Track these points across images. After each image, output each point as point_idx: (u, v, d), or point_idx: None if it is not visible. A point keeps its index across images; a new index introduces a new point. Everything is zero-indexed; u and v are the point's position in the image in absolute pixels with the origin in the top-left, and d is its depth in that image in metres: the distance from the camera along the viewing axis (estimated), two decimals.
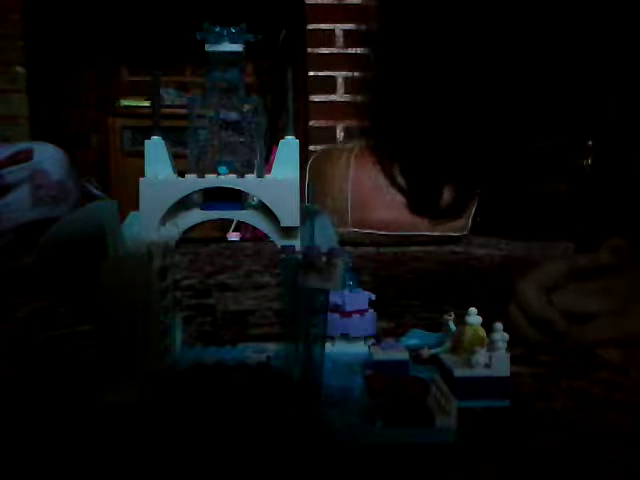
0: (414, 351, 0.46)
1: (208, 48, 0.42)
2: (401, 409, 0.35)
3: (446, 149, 0.55)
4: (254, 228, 0.44)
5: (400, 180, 0.61)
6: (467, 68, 0.50)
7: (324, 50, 2.03)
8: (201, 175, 0.42)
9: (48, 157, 0.93)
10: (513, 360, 0.40)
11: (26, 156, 0.88)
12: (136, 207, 0.42)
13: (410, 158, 0.59)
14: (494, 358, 0.39)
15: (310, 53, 2.04)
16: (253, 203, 0.44)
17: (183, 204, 0.43)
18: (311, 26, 2.04)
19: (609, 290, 0.49)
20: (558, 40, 0.48)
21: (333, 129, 2.02)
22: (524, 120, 0.53)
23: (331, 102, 2.01)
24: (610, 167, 0.57)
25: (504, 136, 0.53)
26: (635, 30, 0.46)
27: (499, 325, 0.40)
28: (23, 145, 0.95)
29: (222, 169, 0.42)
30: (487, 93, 0.50)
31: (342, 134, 2.02)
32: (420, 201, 0.63)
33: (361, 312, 0.47)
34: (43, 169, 0.90)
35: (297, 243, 0.43)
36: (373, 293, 0.48)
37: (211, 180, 0.42)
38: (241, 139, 0.43)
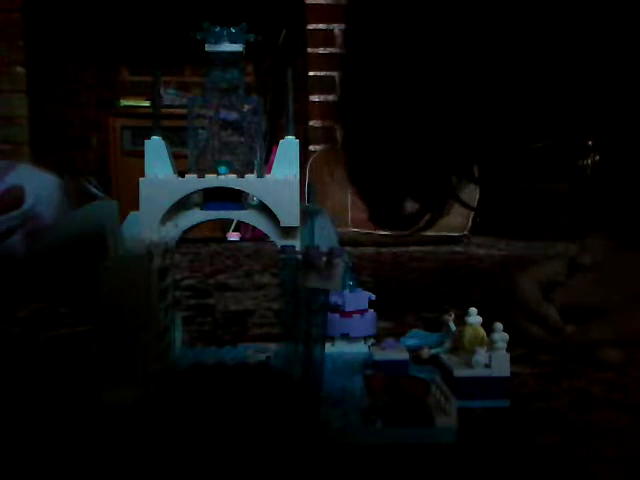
0: (414, 351, 0.46)
1: (208, 48, 0.42)
2: (401, 409, 0.35)
3: (406, 161, 0.55)
4: (254, 228, 0.44)
5: (363, 190, 0.61)
6: (453, 69, 0.49)
7: (324, 50, 2.03)
8: (201, 175, 0.42)
9: (41, 197, 0.82)
10: (513, 360, 0.40)
11: (17, 201, 0.79)
12: (136, 207, 0.42)
13: (372, 168, 0.59)
14: (494, 358, 0.39)
15: (310, 53, 2.04)
16: (253, 203, 0.44)
17: (183, 204, 0.43)
18: (311, 26, 2.03)
19: (603, 283, 0.49)
20: (557, 40, 0.48)
21: (333, 129, 2.02)
22: (524, 121, 0.53)
23: (331, 102, 2.01)
24: (614, 167, 0.57)
25: (501, 138, 0.53)
26: (635, 30, 0.46)
27: (499, 325, 0.40)
28: (12, 181, 0.83)
29: (222, 169, 0.42)
30: (481, 95, 0.50)
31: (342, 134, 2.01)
32: (380, 213, 0.63)
33: (361, 312, 0.47)
34: (36, 214, 0.81)
35: (297, 243, 0.43)
36: (373, 293, 0.48)
37: (211, 180, 0.42)
38: (241, 139, 0.43)
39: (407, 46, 0.51)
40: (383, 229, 0.65)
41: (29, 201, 0.77)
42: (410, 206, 0.61)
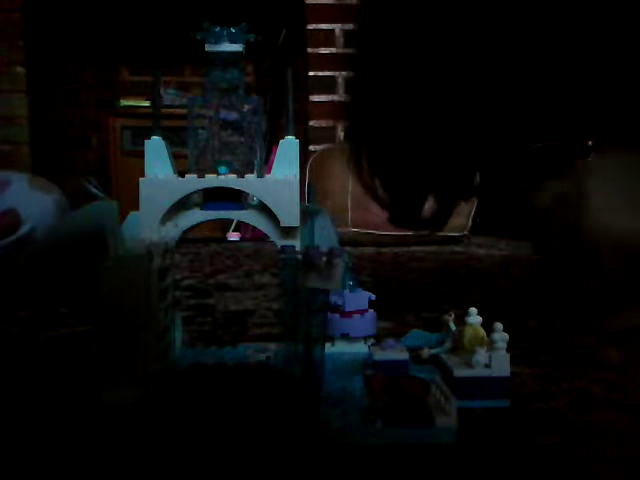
0: (414, 351, 0.46)
1: (208, 48, 0.42)
2: (401, 409, 0.35)
3: (429, 159, 0.55)
4: (254, 228, 0.44)
5: (381, 192, 0.60)
6: (459, 70, 0.49)
7: (324, 50, 2.03)
8: (201, 175, 0.42)
9: (38, 221, 0.78)
10: (513, 360, 0.40)
11: (13, 226, 0.76)
12: (136, 207, 0.42)
13: (392, 170, 0.59)
14: (494, 358, 0.39)
15: (310, 53, 2.04)
16: (253, 203, 0.44)
17: (183, 204, 0.43)
18: (311, 26, 2.03)
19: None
20: (557, 40, 0.48)
21: (333, 129, 2.02)
22: (524, 121, 0.53)
23: (331, 102, 2.01)
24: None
25: (501, 138, 0.53)
26: (635, 30, 0.46)
27: (499, 325, 0.40)
28: (7, 203, 0.79)
29: (222, 169, 0.42)
30: (482, 96, 0.50)
31: (342, 134, 2.01)
32: (401, 213, 0.63)
33: (361, 312, 0.47)
34: (33, 236, 0.78)
35: (297, 243, 0.43)
36: (373, 293, 0.48)
37: (211, 180, 0.42)
38: (241, 139, 0.43)
39: (415, 46, 0.51)
40: (404, 230, 0.65)
41: (25, 226, 0.74)
42: (429, 206, 0.61)
